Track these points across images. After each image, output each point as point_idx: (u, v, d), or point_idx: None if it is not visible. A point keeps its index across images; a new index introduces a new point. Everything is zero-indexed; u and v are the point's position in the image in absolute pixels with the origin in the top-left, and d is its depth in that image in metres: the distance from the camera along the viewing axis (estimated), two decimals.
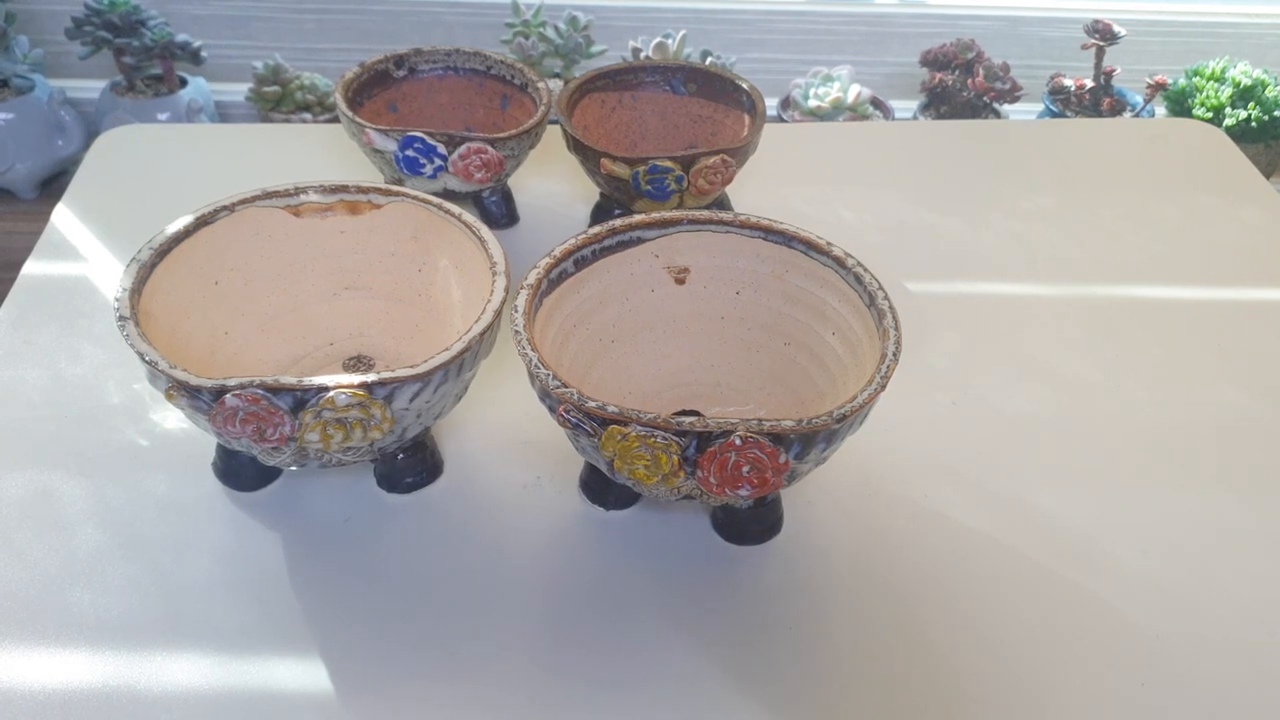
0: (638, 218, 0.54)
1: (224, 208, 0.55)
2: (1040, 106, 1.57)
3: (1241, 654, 0.48)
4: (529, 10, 1.47)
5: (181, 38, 1.50)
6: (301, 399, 0.45)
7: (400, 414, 0.47)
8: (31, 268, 0.68)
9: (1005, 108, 1.53)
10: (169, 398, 0.46)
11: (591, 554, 0.52)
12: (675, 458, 0.44)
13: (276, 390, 0.45)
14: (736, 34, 1.64)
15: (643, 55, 1.44)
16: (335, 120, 1.10)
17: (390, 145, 0.65)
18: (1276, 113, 1.46)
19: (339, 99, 0.68)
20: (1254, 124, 1.45)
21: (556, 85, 1.30)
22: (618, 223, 0.54)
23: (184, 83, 1.54)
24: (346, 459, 0.49)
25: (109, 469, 0.55)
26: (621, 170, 0.65)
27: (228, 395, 0.44)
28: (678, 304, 0.56)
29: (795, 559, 0.52)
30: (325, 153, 0.80)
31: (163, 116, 1.50)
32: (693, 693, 0.46)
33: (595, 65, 1.10)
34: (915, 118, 1.57)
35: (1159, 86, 1.47)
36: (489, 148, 0.65)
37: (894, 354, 0.47)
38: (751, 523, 0.52)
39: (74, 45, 1.49)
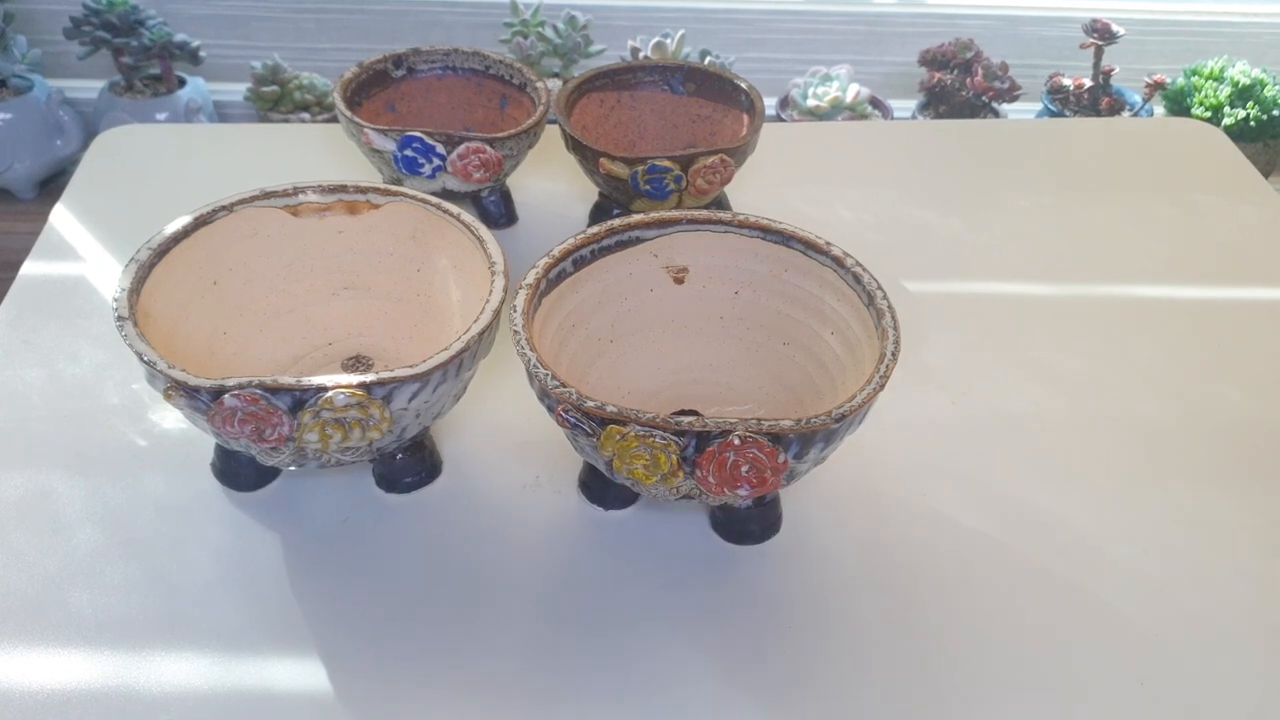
0: (636, 217, 0.54)
1: (222, 208, 0.55)
2: (1039, 106, 1.57)
3: (1240, 653, 0.48)
4: (528, 10, 1.47)
5: (180, 37, 1.50)
6: (300, 399, 0.45)
7: (399, 414, 0.47)
8: (30, 268, 0.68)
9: (1004, 107, 1.53)
10: (167, 398, 0.46)
11: (590, 554, 0.52)
12: (674, 457, 0.44)
13: (275, 390, 0.45)
14: (735, 34, 1.64)
15: (641, 55, 1.44)
16: (334, 120, 1.10)
17: (389, 145, 0.65)
18: (1275, 112, 1.46)
19: (337, 99, 0.68)
20: (1253, 123, 1.45)
21: (555, 85, 1.30)
22: (616, 222, 0.54)
23: (182, 83, 1.54)
24: (345, 459, 0.49)
25: (107, 469, 0.55)
26: (620, 170, 0.65)
27: (226, 395, 0.44)
28: (676, 304, 0.56)
29: (794, 559, 0.52)
30: (324, 153, 0.80)
31: (161, 116, 1.50)
32: (691, 692, 0.46)
33: (594, 65, 1.10)
34: (914, 117, 1.57)
35: (1157, 86, 1.47)
36: (487, 147, 0.65)
37: (893, 353, 0.47)
38: (750, 522, 0.52)
39: (72, 45, 1.49)
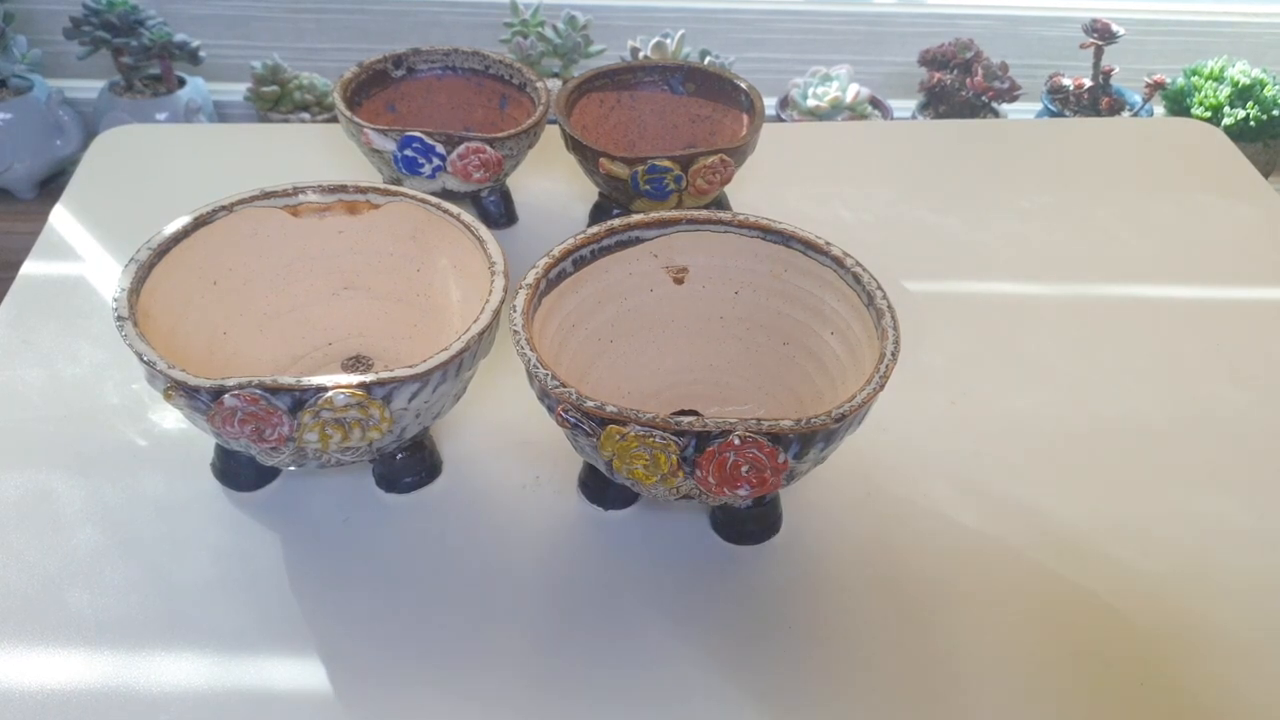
0: (636, 217, 0.54)
1: (222, 208, 0.55)
2: (1039, 106, 1.57)
3: (1240, 654, 0.48)
4: (527, 10, 1.47)
5: (180, 37, 1.50)
6: (300, 399, 0.45)
7: (399, 414, 0.47)
8: (30, 268, 0.68)
9: (1004, 107, 1.53)
10: (167, 398, 0.46)
11: (590, 554, 0.52)
12: (674, 457, 0.44)
13: (275, 390, 0.45)
14: (735, 34, 1.64)
15: (641, 55, 1.44)
16: (334, 120, 1.10)
17: (389, 145, 0.65)
18: (1275, 112, 1.46)
19: (337, 99, 0.68)
20: (1252, 123, 1.45)
21: (555, 85, 1.30)
22: (616, 222, 0.54)
23: (182, 83, 1.54)
24: (345, 459, 0.49)
25: (107, 469, 0.55)
26: (620, 170, 0.65)
27: (226, 395, 0.44)
28: (676, 304, 0.56)
29: (794, 559, 0.52)
30: (324, 153, 0.80)
31: (161, 116, 1.50)
32: (691, 693, 0.46)
33: (594, 65, 1.10)
34: (914, 117, 1.57)
35: (1157, 86, 1.47)
36: (487, 147, 0.65)
37: (893, 353, 0.47)
38: (750, 522, 0.52)
39: (72, 45, 1.49)
